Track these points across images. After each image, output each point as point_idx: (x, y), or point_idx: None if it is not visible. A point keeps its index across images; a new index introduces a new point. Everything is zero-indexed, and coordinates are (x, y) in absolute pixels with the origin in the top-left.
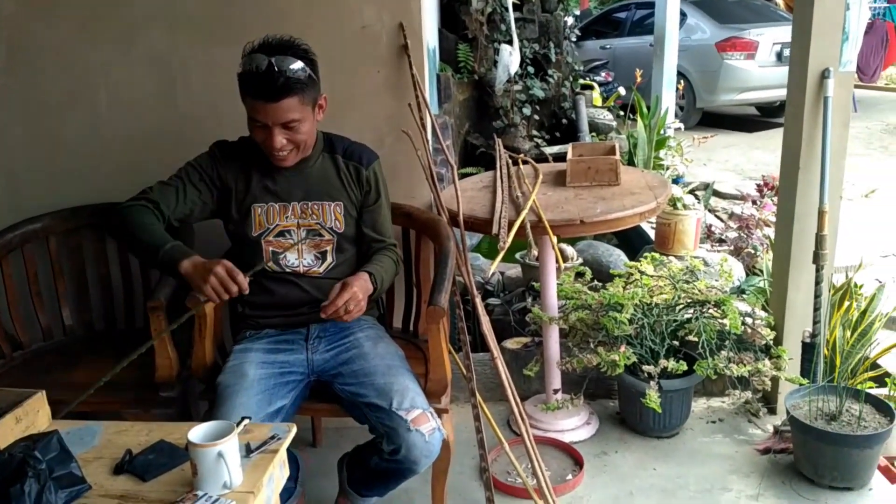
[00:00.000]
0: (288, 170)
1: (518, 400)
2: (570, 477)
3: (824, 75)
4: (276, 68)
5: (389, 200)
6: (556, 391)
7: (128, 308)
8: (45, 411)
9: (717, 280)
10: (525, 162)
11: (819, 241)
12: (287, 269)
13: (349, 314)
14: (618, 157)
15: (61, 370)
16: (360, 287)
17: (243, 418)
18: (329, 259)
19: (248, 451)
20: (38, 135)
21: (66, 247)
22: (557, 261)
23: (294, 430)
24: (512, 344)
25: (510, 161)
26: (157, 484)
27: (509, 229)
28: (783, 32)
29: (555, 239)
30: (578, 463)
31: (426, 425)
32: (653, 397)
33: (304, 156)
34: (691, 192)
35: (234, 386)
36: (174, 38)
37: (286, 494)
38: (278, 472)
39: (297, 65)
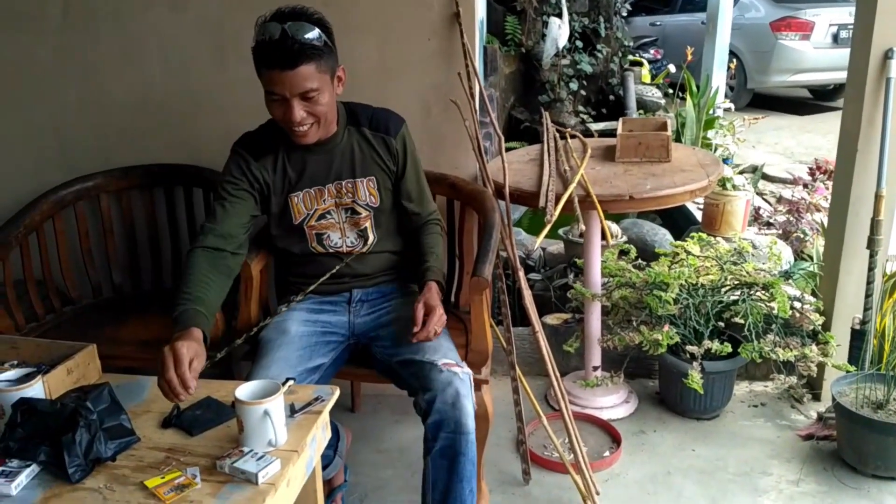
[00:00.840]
0: (317, 152)
1: (558, 375)
2: (607, 454)
3: (888, 55)
4: (290, 34)
5: (420, 164)
6: (595, 368)
7: (175, 268)
8: (96, 364)
9: (764, 263)
10: (573, 136)
11: (874, 226)
12: (331, 249)
13: (437, 333)
14: (669, 133)
15: (110, 326)
16: (439, 301)
17: (288, 379)
18: (371, 237)
19: (292, 411)
20: (91, 95)
21: (117, 206)
22: (605, 237)
23: (337, 392)
24: (552, 319)
25: (557, 135)
26: (204, 439)
27: (556, 203)
28: (840, 13)
29: (602, 214)
30: (616, 440)
31: (457, 368)
32: (695, 378)
33: (327, 133)
34: (740, 173)
35: (275, 340)
36: (226, 2)
37: (324, 461)
38: (321, 433)
39: (313, 32)
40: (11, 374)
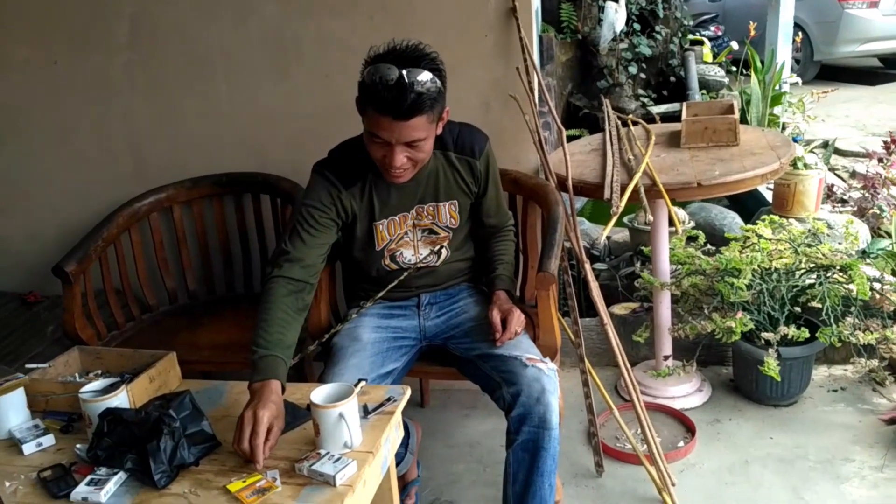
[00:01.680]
0: None
1: (628, 366)
2: (681, 444)
3: None
4: (406, 81)
5: (499, 177)
6: (666, 357)
7: (246, 273)
8: (176, 371)
9: (840, 243)
10: (635, 123)
11: None
12: (403, 266)
13: (518, 333)
14: (736, 116)
15: (186, 332)
16: (512, 304)
17: (360, 380)
18: (444, 254)
19: (365, 412)
20: (161, 109)
21: (189, 215)
22: (674, 225)
23: (408, 392)
24: (619, 309)
25: (619, 122)
26: (282, 442)
27: (622, 194)
28: None
29: (670, 203)
30: (690, 430)
31: (541, 364)
32: (771, 365)
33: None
34: (811, 150)
35: (348, 348)
36: (286, 11)
37: (396, 458)
38: (394, 433)
39: (428, 77)
40: (97, 384)
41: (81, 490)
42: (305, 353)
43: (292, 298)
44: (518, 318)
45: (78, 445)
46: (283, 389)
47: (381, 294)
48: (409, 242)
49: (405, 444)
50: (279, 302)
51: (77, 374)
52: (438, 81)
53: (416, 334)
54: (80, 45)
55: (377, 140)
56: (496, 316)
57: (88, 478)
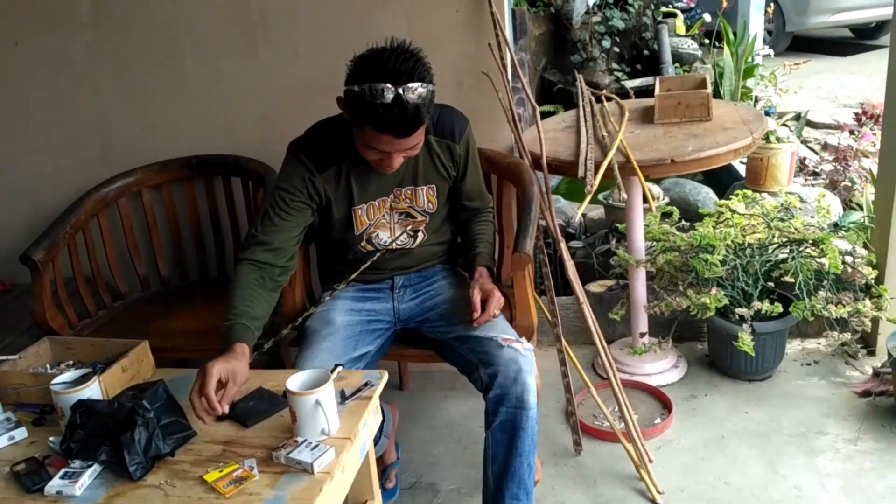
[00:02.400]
0: None
1: (605, 343)
2: (658, 420)
3: None
4: (404, 99)
5: (478, 160)
6: (642, 335)
7: (219, 257)
8: (149, 360)
9: (813, 217)
10: (609, 99)
11: None
12: (379, 247)
13: (495, 316)
14: (709, 90)
15: (160, 319)
16: (493, 284)
17: (337, 366)
18: (421, 237)
19: (342, 397)
20: (127, 89)
21: (159, 200)
22: (648, 202)
23: (386, 376)
24: (596, 287)
25: (593, 98)
26: (259, 430)
27: (596, 171)
28: None
29: (644, 180)
30: (667, 406)
31: (517, 344)
32: (746, 340)
33: None
34: (783, 123)
35: (321, 331)
36: None
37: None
38: (372, 418)
39: (422, 88)
40: (68, 375)
41: (55, 483)
42: (280, 338)
43: (257, 276)
44: (497, 301)
45: (51, 438)
46: (252, 352)
47: (353, 276)
48: (385, 224)
49: (380, 427)
50: (244, 280)
51: (48, 365)
52: (430, 85)
53: (390, 317)
54: (41, 25)
55: (373, 149)
56: (476, 295)
57: (62, 471)
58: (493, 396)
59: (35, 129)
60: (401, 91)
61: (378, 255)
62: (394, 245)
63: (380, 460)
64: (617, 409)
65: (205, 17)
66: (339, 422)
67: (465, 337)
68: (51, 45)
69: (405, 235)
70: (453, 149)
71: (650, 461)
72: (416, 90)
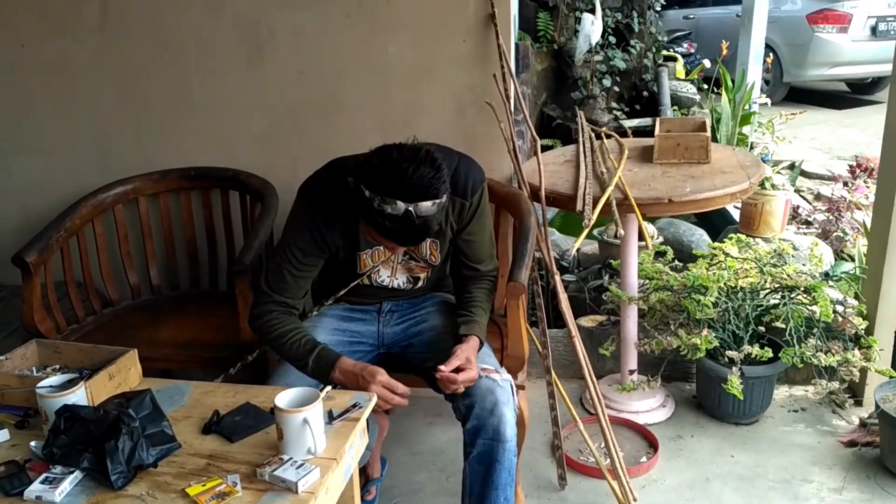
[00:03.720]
0: None
1: (594, 378)
2: (644, 459)
3: None
4: (414, 216)
5: (489, 222)
6: (631, 372)
7: (212, 270)
8: (137, 369)
9: (804, 264)
10: (608, 136)
11: None
12: (376, 285)
13: (457, 391)
14: (708, 134)
15: (148, 328)
16: (476, 362)
17: (325, 385)
18: (421, 283)
19: (330, 417)
20: (129, 96)
21: (155, 209)
22: (644, 240)
23: (374, 398)
24: (587, 322)
25: (593, 135)
26: (244, 445)
27: (594, 206)
28: (879, 5)
29: (641, 218)
30: (653, 445)
31: (496, 375)
32: (735, 383)
33: None
34: (778, 171)
35: None
36: (262, 3)
37: None
38: (359, 440)
39: (433, 206)
40: (55, 379)
41: (35, 488)
42: (263, 351)
43: (286, 316)
44: (469, 380)
45: (33, 442)
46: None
47: (341, 293)
48: (388, 263)
49: None
50: (284, 325)
51: (34, 368)
52: (443, 198)
53: (374, 340)
54: (48, 28)
55: (379, 241)
56: (460, 356)
57: (43, 476)
58: (470, 427)
59: (33, 131)
60: (412, 208)
61: (364, 276)
62: (392, 285)
63: (362, 471)
64: (603, 444)
65: (212, 30)
66: (325, 442)
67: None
68: (56, 49)
69: (405, 279)
70: (463, 206)
71: (634, 500)
72: (429, 207)
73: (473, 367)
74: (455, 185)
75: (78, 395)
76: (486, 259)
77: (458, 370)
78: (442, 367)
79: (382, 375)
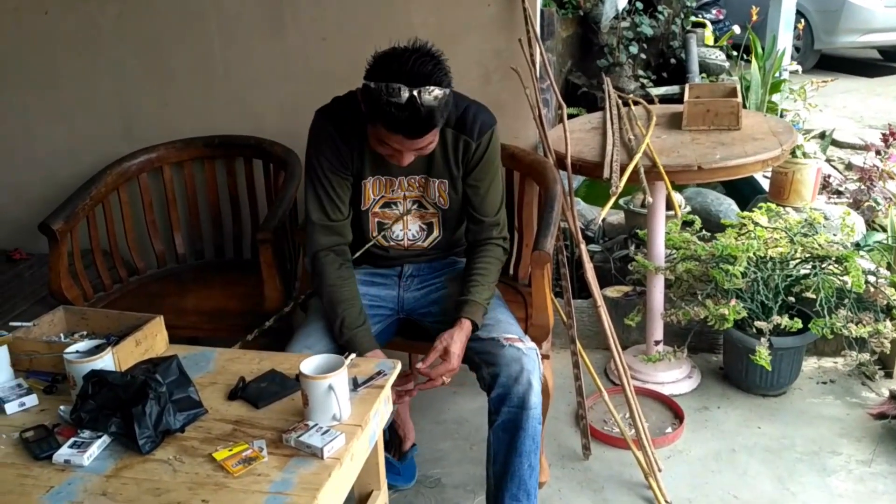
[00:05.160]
0: None
1: (620, 349)
2: (669, 430)
3: None
4: (418, 102)
5: (496, 172)
6: (657, 342)
7: (236, 238)
8: (163, 336)
9: (836, 234)
10: (636, 103)
11: None
12: (392, 242)
13: (444, 383)
14: (739, 99)
15: (173, 296)
16: (461, 350)
17: (348, 352)
18: (435, 232)
19: (355, 385)
20: (152, 66)
21: (179, 177)
22: (673, 209)
23: (399, 366)
24: (612, 292)
25: (620, 102)
26: (269, 412)
27: (621, 174)
28: None
29: (670, 186)
30: (678, 416)
31: (520, 343)
32: (763, 354)
33: None
34: (809, 139)
35: (320, 310)
36: None
37: None
38: (383, 407)
39: (438, 93)
40: (82, 345)
41: (64, 452)
42: (282, 315)
43: (339, 271)
44: (449, 372)
45: (61, 407)
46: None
47: (357, 254)
48: (398, 215)
49: None
50: (333, 277)
51: (62, 335)
52: (447, 89)
53: (394, 305)
54: None
55: (385, 144)
56: (439, 348)
57: (71, 440)
58: (495, 396)
59: (57, 100)
60: (416, 93)
61: (373, 241)
62: (406, 238)
63: (395, 433)
64: (628, 415)
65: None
66: (350, 408)
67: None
68: (79, 15)
69: (417, 228)
70: (469, 145)
71: (659, 470)
72: (431, 93)
73: (452, 357)
74: (462, 124)
75: (105, 361)
76: (492, 213)
77: (439, 360)
78: (419, 365)
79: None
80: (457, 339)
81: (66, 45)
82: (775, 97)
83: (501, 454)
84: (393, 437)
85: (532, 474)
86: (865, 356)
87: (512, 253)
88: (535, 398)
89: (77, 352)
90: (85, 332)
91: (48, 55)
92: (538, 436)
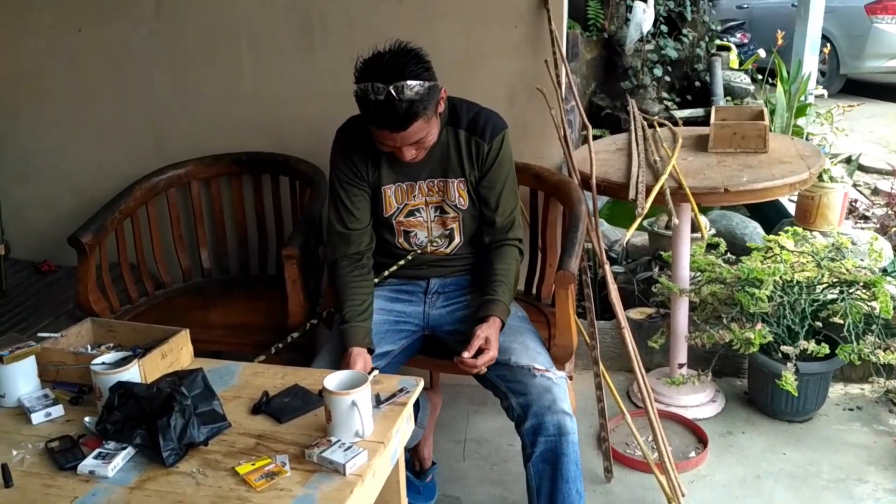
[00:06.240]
0: None
1: (643, 371)
2: (693, 454)
3: None
4: (396, 97)
5: (511, 175)
6: (681, 365)
7: (261, 254)
8: (188, 349)
9: (863, 259)
10: (661, 125)
11: None
12: (416, 248)
13: (481, 373)
14: (766, 122)
15: (199, 310)
16: (497, 342)
17: (373, 368)
18: (457, 239)
19: (377, 401)
20: (183, 83)
21: (207, 193)
22: (699, 231)
23: (421, 383)
24: (636, 314)
25: (645, 124)
26: (293, 427)
27: (647, 195)
28: None
29: (696, 208)
30: (702, 441)
31: (550, 374)
32: (789, 379)
33: None
34: (836, 163)
35: None
36: None
37: None
38: (405, 424)
39: (414, 84)
40: (108, 357)
41: (89, 463)
42: (304, 331)
43: (355, 275)
44: (489, 360)
45: (87, 418)
46: (369, 348)
47: (388, 272)
48: (422, 223)
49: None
50: (345, 279)
51: (89, 346)
52: (426, 83)
53: (419, 321)
54: (105, 13)
55: (382, 143)
56: (480, 339)
57: (96, 451)
58: (528, 428)
59: (89, 116)
60: (392, 89)
61: (410, 255)
62: (429, 246)
63: (416, 453)
64: (651, 438)
65: (264, 17)
66: (373, 425)
67: (495, 363)
68: (112, 34)
69: (441, 236)
70: (481, 146)
71: (683, 494)
72: (409, 87)
73: (493, 346)
74: (474, 126)
75: (131, 373)
76: (506, 214)
77: (479, 352)
78: (464, 354)
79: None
80: (494, 332)
81: (98, 63)
82: (800, 121)
83: (546, 486)
84: (413, 455)
85: (580, 500)
86: (893, 383)
87: (535, 272)
88: (571, 423)
89: (103, 363)
90: (112, 344)
91: (81, 72)
92: (580, 462)
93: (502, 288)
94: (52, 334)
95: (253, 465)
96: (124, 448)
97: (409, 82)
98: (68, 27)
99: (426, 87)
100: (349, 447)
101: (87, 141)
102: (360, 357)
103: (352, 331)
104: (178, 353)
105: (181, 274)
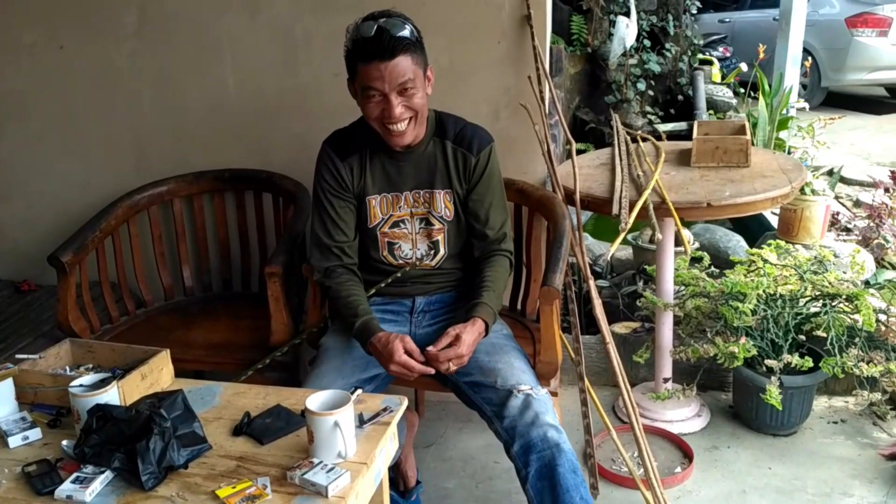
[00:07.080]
0: (399, 158)
1: (628, 386)
2: (678, 470)
3: None
4: (385, 29)
5: (499, 188)
6: (666, 380)
7: (244, 272)
8: (169, 369)
9: (845, 272)
10: (644, 139)
11: None
12: (401, 260)
13: (448, 371)
14: (748, 137)
15: (180, 329)
16: (472, 343)
17: (356, 388)
18: (441, 251)
19: (360, 421)
20: (166, 100)
21: (189, 210)
22: (683, 245)
23: (405, 402)
24: (620, 328)
25: (628, 138)
26: (274, 448)
27: (630, 210)
28: None
29: (679, 222)
30: (688, 456)
31: (531, 391)
32: (773, 393)
33: (418, 137)
34: (818, 176)
35: (333, 349)
36: (298, 7)
37: None
38: (389, 444)
39: (406, 28)
40: (88, 379)
41: (66, 488)
42: (292, 345)
43: (345, 272)
44: (458, 359)
45: (65, 441)
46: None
47: (373, 291)
48: (407, 235)
49: None
50: (346, 285)
51: (67, 367)
52: (416, 33)
53: None
54: (87, 31)
55: (372, 93)
56: (451, 336)
57: (74, 475)
58: (518, 450)
59: (71, 133)
60: (380, 23)
61: (399, 273)
62: (415, 258)
63: (397, 470)
64: (637, 454)
65: (248, 33)
66: (356, 445)
67: (478, 384)
68: (94, 52)
69: (426, 248)
70: (468, 159)
71: None
72: (395, 25)
73: (463, 344)
74: (461, 139)
75: (110, 395)
76: (497, 227)
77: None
78: (429, 348)
79: (400, 356)
80: (469, 331)
81: (80, 80)
82: (783, 134)
83: (548, 501)
84: (397, 474)
85: None
86: (877, 395)
87: (520, 288)
88: (559, 435)
89: (82, 385)
90: (91, 365)
91: (62, 90)
92: (578, 469)
93: (489, 293)
94: (30, 356)
95: (234, 488)
96: (103, 472)
97: (398, 22)
98: (50, 45)
99: (415, 35)
100: (332, 468)
101: (69, 159)
102: (398, 338)
103: (371, 322)
104: (158, 373)
105: (163, 292)
